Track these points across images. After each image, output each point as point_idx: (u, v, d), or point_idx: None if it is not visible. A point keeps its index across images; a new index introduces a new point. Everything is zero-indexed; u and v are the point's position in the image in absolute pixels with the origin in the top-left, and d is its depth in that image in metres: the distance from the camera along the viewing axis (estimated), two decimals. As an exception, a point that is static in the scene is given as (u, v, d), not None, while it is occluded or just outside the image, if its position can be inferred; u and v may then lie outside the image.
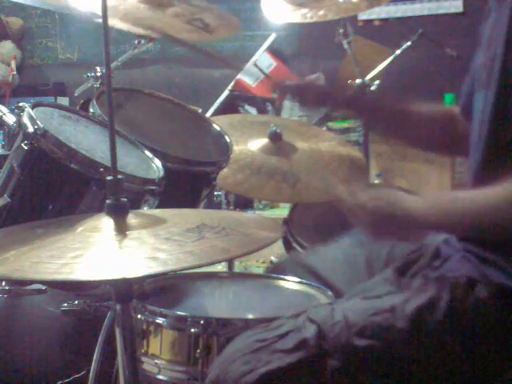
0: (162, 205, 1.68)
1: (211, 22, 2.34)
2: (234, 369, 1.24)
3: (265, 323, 1.34)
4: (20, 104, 1.74)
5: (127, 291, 1.24)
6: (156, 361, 1.45)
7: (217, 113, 4.35)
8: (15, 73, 5.30)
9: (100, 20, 1.21)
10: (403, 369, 1.26)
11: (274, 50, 4.84)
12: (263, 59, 4.79)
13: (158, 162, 1.77)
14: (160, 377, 1.45)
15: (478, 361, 1.27)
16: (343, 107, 1.90)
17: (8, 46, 5.46)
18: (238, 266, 3.31)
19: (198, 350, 1.41)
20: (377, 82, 3.24)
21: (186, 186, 1.93)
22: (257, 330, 1.32)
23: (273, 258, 3.55)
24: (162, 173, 1.73)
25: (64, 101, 5.19)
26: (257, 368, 1.23)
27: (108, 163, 1.51)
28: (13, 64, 5.34)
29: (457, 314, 1.27)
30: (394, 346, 1.26)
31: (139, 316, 1.47)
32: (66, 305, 1.58)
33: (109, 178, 1.23)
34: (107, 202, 1.24)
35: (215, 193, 2.75)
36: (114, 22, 2.09)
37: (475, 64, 1.48)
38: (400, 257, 1.52)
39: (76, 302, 1.57)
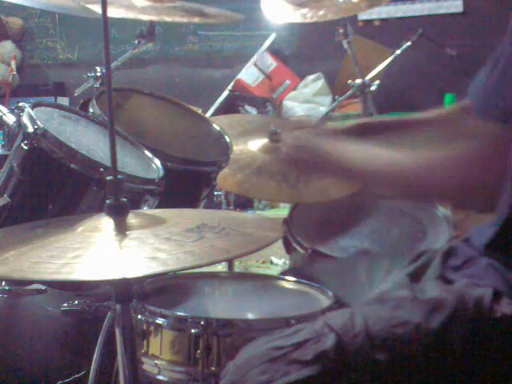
0: (161, 205, 1.68)
1: (210, 12, 2.35)
2: (250, 378, 1.22)
3: (259, 325, 1.32)
4: (20, 104, 1.74)
5: (127, 291, 1.24)
6: (156, 361, 1.45)
7: (217, 113, 4.35)
8: (15, 73, 5.30)
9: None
10: None
11: (274, 50, 4.84)
12: (263, 59, 4.79)
13: (157, 162, 1.77)
14: (160, 377, 1.45)
15: (503, 378, 1.24)
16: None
17: (8, 46, 5.45)
18: (237, 266, 3.31)
19: (199, 351, 1.41)
20: (377, 82, 3.24)
21: (186, 186, 1.92)
22: (273, 335, 1.29)
23: (273, 258, 3.56)
24: (161, 173, 1.73)
25: (64, 101, 5.18)
26: (275, 379, 1.21)
27: (108, 163, 1.51)
28: (13, 64, 5.33)
29: (482, 329, 1.24)
30: (417, 361, 1.23)
31: (139, 316, 1.47)
32: (66, 305, 1.59)
33: (109, 177, 1.23)
34: (107, 202, 1.24)
35: (215, 193, 2.75)
36: (117, 12, 2.11)
37: None
38: (408, 264, 1.49)
39: (76, 302, 1.57)
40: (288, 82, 4.79)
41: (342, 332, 1.24)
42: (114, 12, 2.13)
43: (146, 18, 2.27)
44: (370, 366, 1.23)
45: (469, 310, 1.25)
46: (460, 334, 1.24)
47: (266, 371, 1.22)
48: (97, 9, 2.20)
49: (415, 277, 1.41)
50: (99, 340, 1.59)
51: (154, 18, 2.29)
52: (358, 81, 3.19)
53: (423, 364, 1.24)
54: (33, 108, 1.69)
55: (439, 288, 1.32)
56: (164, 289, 1.62)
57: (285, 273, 1.80)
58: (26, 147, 1.62)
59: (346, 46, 3.16)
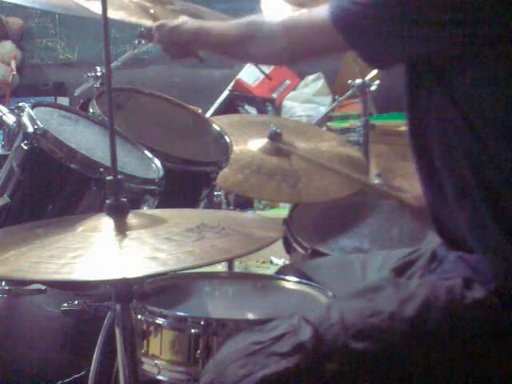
0: (162, 205, 1.68)
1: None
2: (230, 372, 1.23)
3: (259, 325, 1.33)
4: (20, 104, 1.74)
5: (127, 291, 1.24)
6: (156, 361, 1.45)
7: (217, 113, 4.35)
8: (15, 73, 5.30)
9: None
10: (402, 371, 1.26)
11: (274, 50, 4.83)
12: (263, 59, 4.78)
13: (157, 162, 1.77)
14: (160, 377, 1.45)
15: (478, 361, 1.27)
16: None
17: (8, 46, 5.45)
18: (237, 266, 3.31)
19: (198, 351, 1.41)
20: (377, 82, 3.24)
21: (186, 186, 1.92)
22: (252, 331, 1.31)
23: (273, 258, 3.56)
24: (161, 173, 1.73)
25: (64, 101, 5.18)
26: (254, 372, 1.22)
27: (108, 163, 1.51)
28: (13, 64, 5.34)
29: (455, 314, 1.27)
30: (392, 349, 1.25)
31: (139, 316, 1.47)
32: (65, 305, 1.59)
33: (109, 177, 1.23)
34: (107, 202, 1.24)
35: (215, 193, 2.75)
36: (118, 15, 2.11)
37: None
38: (396, 261, 1.52)
39: (76, 302, 1.57)
40: (288, 81, 4.80)
41: (318, 324, 1.26)
42: (113, 14, 2.13)
43: (145, 22, 2.27)
44: (347, 356, 1.24)
45: (441, 299, 1.28)
46: (434, 321, 1.26)
47: (245, 365, 1.23)
48: (97, 9, 2.20)
49: (400, 272, 1.44)
50: (99, 340, 1.59)
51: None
52: (358, 81, 3.18)
53: (399, 352, 1.25)
54: (33, 108, 1.69)
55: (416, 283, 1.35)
56: (164, 289, 1.62)
57: (283, 269, 1.81)
58: (25, 147, 1.62)
59: (346, 45, 3.16)
